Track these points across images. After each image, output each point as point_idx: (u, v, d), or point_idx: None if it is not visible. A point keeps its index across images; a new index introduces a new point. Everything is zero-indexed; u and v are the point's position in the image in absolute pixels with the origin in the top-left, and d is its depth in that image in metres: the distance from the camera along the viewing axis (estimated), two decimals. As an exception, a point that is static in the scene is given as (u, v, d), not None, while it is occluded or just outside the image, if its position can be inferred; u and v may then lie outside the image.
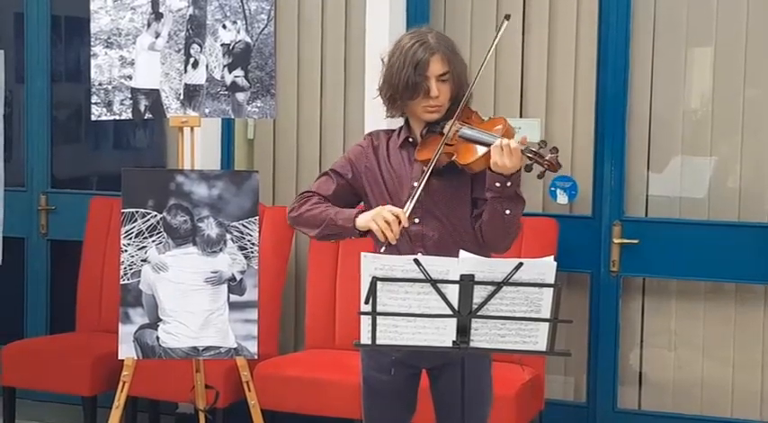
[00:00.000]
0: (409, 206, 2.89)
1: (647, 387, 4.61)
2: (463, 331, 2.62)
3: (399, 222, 2.83)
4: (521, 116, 4.65)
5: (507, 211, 2.86)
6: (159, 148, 5.53)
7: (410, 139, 3.03)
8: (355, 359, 3.17)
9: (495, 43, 3.01)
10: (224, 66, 3.91)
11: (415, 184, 2.95)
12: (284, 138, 5.03)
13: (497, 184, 2.83)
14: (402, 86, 2.91)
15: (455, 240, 2.93)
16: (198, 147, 4.45)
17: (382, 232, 2.83)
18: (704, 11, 4.44)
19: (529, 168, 2.84)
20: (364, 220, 2.90)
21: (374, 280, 2.59)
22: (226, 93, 3.92)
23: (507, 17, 2.98)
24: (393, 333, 2.64)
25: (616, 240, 4.50)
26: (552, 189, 4.56)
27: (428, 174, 2.90)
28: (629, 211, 4.53)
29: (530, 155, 2.80)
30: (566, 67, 4.60)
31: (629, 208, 4.53)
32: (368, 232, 2.91)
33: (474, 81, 2.98)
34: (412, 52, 2.91)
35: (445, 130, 2.94)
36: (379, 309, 2.61)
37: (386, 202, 2.97)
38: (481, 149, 2.88)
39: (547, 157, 2.79)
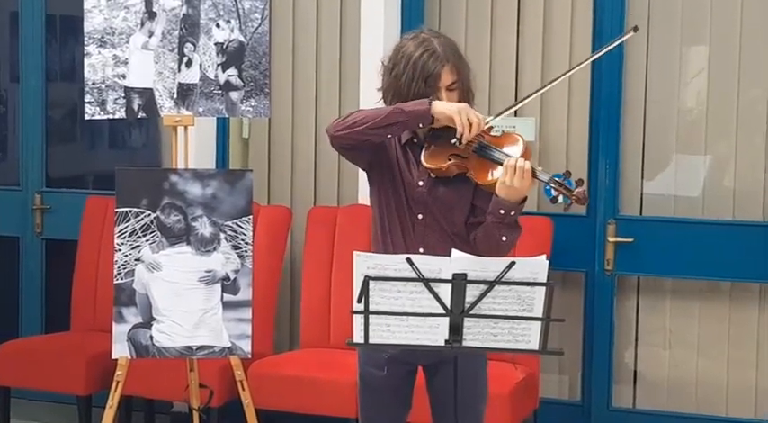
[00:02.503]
0: (491, 119, 2.88)
1: (641, 385, 4.62)
2: (456, 330, 2.62)
3: (480, 127, 2.82)
4: (515, 115, 4.64)
5: (504, 238, 2.86)
6: (154, 147, 5.52)
7: (415, 140, 3.01)
8: (350, 358, 3.17)
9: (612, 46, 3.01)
10: (218, 65, 3.90)
11: (421, 183, 2.95)
12: (279, 137, 5.03)
13: (501, 211, 2.83)
14: (412, 98, 2.88)
15: (455, 242, 2.92)
16: (193, 146, 4.46)
17: (463, 127, 2.80)
18: (699, 9, 4.44)
19: (555, 200, 2.82)
20: (446, 109, 2.83)
21: (366, 279, 2.59)
22: (219, 92, 3.91)
23: (635, 29, 2.97)
24: (386, 332, 2.64)
25: (611, 239, 4.50)
26: (547, 188, 4.55)
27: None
28: (623, 210, 4.53)
29: (554, 186, 2.78)
30: (560, 66, 4.59)
31: (623, 207, 4.53)
32: (432, 122, 2.84)
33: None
34: (422, 63, 2.88)
35: (461, 144, 2.89)
36: (372, 308, 2.61)
37: (398, 189, 2.96)
38: (500, 170, 2.83)
39: (575, 191, 2.77)
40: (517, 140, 2.90)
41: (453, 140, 2.84)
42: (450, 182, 2.94)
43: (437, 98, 2.89)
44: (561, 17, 4.59)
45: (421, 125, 2.88)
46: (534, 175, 2.79)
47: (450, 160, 2.87)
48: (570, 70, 3.02)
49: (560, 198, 2.79)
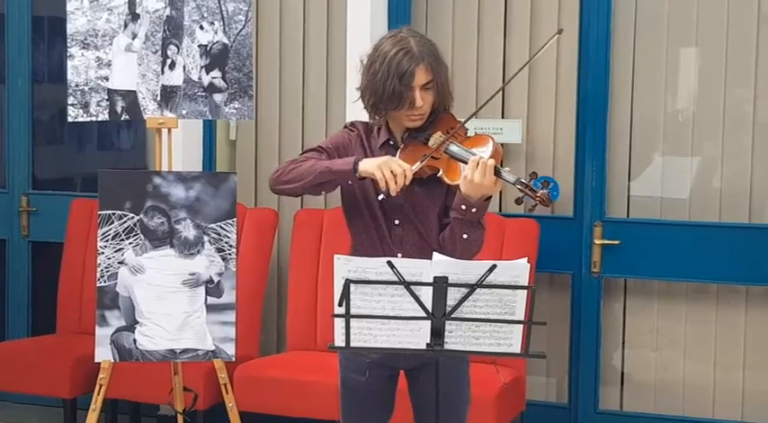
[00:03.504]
0: (419, 165, 2.86)
1: (628, 388, 4.61)
2: (437, 334, 2.62)
3: (405, 177, 2.81)
4: (502, 117, 4.64)
5: (465, 236, 2.86)
6: (141, 149, 5.51)
7: (391, 142, 3.01)
8: (336, 361, 3.15)
9: (539, 53, 3.12)
10: (201, 67, 3.89)
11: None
12: (266, 139, 5.01)
13: (463, 207, 2.83)
14: (387, 97, 2.88)
15: (432, 245, 2.92)
16: (179, 148, 4.45)
17: (386, 181, 2.80)
18: (686, 11, 4.44)
19: (519, 201, 2.83)
20: (368, 166, 2.85)
21: (347, 282, 2.59)
22: (203, 94, 3.90)
23: (560, 31, 3.01)
24: (367, 335, 2.63)
25: (597, 241, 4.49)
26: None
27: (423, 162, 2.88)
28: (610, 212, 4.52)
29: (520, 187, 2.78)
30: (547, 68, 4.59)
31: (610, 209, 4.53)
32: (363, 179, 2.88)
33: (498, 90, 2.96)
34: (396, 62, 2.87)
35: (431, 143, 2.91)
36: (353, 311, 2.60)
37: (369, 196, 2.95)
38: None
39: (539, 193, 2.77)
40: (487, 141, 2.91)
41: (380, 196, 2.87)
42: (425, 183, 2.93)
43: (411, 97, 2.88)
44: (548, 18, 4.58)
45: (350, 181, 2.91)
46: (498, 173, 2.79)
47: (423, 161, 2.87)
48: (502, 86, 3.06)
49: (525, 199, 2.80)
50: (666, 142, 4.51)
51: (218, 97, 3.90)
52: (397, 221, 2.95)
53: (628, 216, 4.54)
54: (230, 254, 3.81)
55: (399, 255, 2.91)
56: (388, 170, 2.81)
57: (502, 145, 4.48)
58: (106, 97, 3.90)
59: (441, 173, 2.88)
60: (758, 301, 4.43)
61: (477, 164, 2.77)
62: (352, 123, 3.08)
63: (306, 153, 3.06)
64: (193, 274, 3.80)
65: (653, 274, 4.49)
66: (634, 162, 4.53)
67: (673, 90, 4.53)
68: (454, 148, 2.89)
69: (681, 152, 4.50)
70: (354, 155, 2.99)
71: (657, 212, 4.51)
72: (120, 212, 3.77)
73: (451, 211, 2.86)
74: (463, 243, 2.85)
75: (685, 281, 4.47)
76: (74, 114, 3.92)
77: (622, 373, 4.62)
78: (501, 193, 4.55)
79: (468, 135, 2.96)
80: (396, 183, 2.80)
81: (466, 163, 2.84)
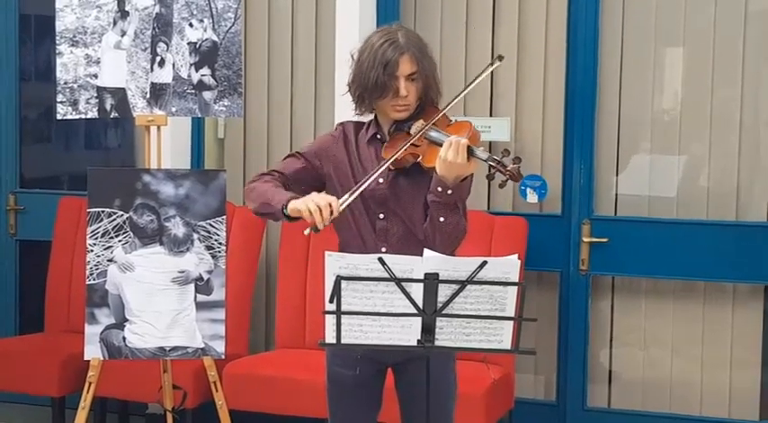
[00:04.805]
0: (347, 199, 2.87)
1: (616, 385, 4.62)
2: (428, 330, 2.62)
3: (331, 211, 2.80)
4: (491, 115, 4.65)
5: (441, 219, 2.85)
6: (129, 147, 5.50)
7: (378, 136, 3.03)
8: (325, 359, 3.16)
9: (479, 79, 3.02)
10: (190, 64, 3.89)
11: (381, 179, 2.95)
12: (254, 137, 5.02)
13: (439, 189, 2.83)
14: (371, 86, 2.91)
15: (417, 238, 2.92)
16: (168, 146, 4.44)
17: (310, 214, 2.80)
18: (673, 10, 4.45)
19: (491, 177, 2.84)
20: (296, 204, 2.85)
21: (338, 279, 2.59)
22: (192, 91, 3.90)
23: (500, 58, 3.00)
24: (358, 332, 2.64)
25: (585, 239, 4.50)
26: (522, 188, 4.56)
27: (384, 166, 2.89)
28: (598, 210, 4.54)
29: (492, 163, 2.79)
30: (535, 67, 4.61)
31: (598, 207, 4.54)
32: (297, 219, 2.88)
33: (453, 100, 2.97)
34: (381, 52, 2.90)
35: (412, 131, 2.94)
36: (344, 308, 2.61)
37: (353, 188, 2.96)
38: None
39: (509, 167, 2.78)
40: (467, 127, 2.92)
41: (306, 230, 2.85)
42: (409, 174, 2.94)
43: (395, 86, 2.90)
44: (536, 15, 4.59)
45: (283, 220, 2.92)
46: (472, 152, 2.79)
47: (403, 149, 2.89)
48: (448, 105, 3.02)
49: (496, 175, 2.81)
50: (654, 141, 4.53)
51: (207, 95, 3.90)
52: (381, 215, 2.96)
53: (615, 214, 4.55)
54: (220, 251, 3.82)
55: (384, 249, 2.91)
56: (314, 205, 2.79)
57: (490, 143, 4.58)
58: (95, 95, 3.90)
59: (420, 158, 2.90)
60: (745, 299, 4.45)
61: (451, 143, 2.79)
62: (342, 124, 3.09)
63: (285, 159, 3.09)
64: (183, 272, 3.80)
65: (641, 271, 4.50)
66: (622, 160, 4.55)
67: (660, 89, 4.55)
68: (434, 133, 2.91)
69: (668, 151, 4.52)
70: (334, 159, 3.01)
71: (645, 210, 4.52)
72: (109, 210, 3.77)
73: (429, 194, 2.86)
74: (441, 226, 2.85)
75: (673, 278, 4.49)
76: (63, 112, 3.91)
77: (610, 371, 4.63)
78: (489, 188, 4.58)
79: (450, 123, 2.98)
80: (321, 216, 2.78)
81: (441, 145, 2.85)
